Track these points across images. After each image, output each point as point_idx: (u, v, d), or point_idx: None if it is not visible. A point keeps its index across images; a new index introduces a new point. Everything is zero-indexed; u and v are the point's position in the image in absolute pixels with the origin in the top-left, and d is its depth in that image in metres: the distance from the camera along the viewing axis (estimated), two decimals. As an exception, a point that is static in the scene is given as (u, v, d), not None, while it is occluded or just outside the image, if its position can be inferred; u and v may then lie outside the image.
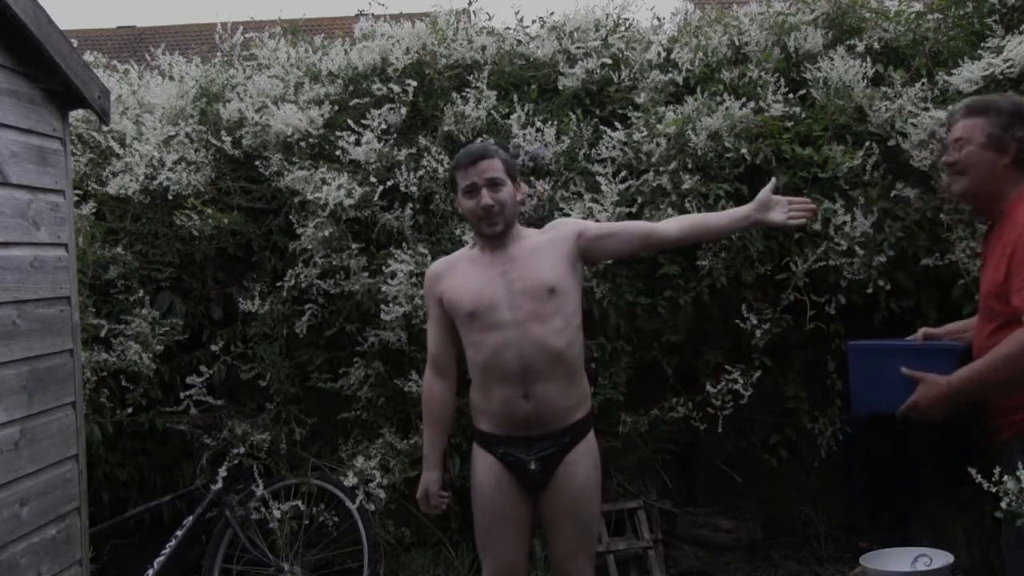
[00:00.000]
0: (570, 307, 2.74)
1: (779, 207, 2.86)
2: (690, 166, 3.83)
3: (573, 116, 4.09)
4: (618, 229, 2.92)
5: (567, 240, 2.79)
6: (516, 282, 2.71)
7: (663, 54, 4.23)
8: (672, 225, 2.92)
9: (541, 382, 2.69)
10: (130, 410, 3.94)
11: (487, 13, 4.67)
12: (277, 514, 3.84)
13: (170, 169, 4.02)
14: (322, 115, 4.05)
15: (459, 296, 2.76)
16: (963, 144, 2.56)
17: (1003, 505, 2.25)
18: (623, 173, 3.88)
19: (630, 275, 3.87)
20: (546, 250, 2.77)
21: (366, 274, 3.92)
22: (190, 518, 3.87)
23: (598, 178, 3.86)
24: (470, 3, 4.59)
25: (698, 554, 4.21)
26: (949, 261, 3.65)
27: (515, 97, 4.10)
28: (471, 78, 4.21)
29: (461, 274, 2.80)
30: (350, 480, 3.82)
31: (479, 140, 3.99)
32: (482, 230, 2.76)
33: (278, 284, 4.03)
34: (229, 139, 4.10)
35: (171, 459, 4.18)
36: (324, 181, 3.87)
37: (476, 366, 2.77)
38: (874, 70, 3.93)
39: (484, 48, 4.34)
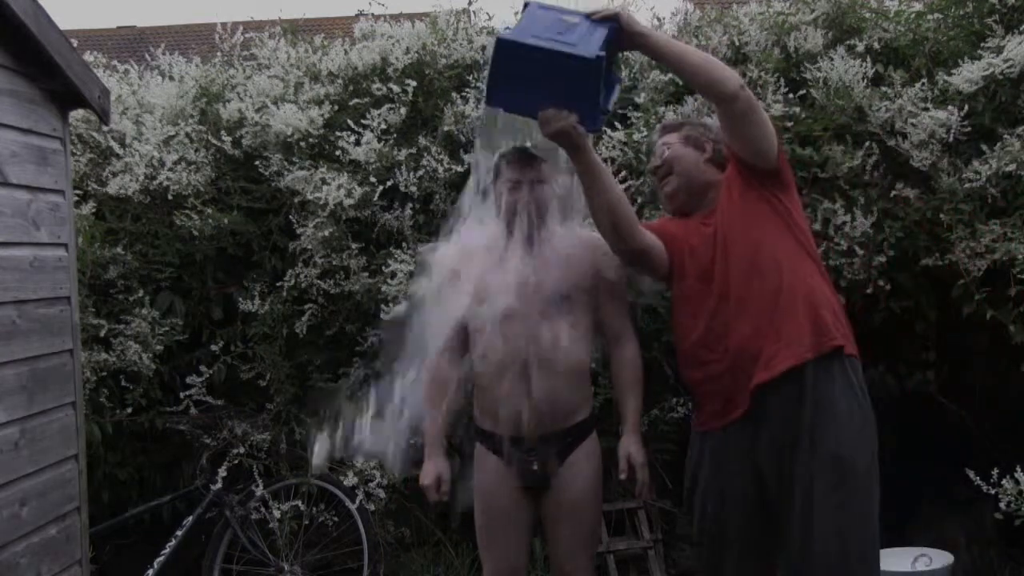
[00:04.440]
0: (581, 311, 2.75)
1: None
2: (690, 166, 3.82)
3: (573, 116, 4.09)
4: (616, 301, 2.86)
5: (594, 265, 2.77)
6: (531, 277, 2.71)
7: (663, 54, 4.22)
8: (620, 362, 2.88)
9: (545, 379, 2.68)
10: (130, 410, 3.94)
11: (487, 13, 4.67)
12: (277, 514, 3.84)
13: (170, 169, 4.02)
14: (322, 115, 4.05)
15: (472, 282, 2.75)
16: (664, 148, 2.68)
17: (1002, 506, 2.26)
18: (623, 173, 3.87)
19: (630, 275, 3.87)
20: (572, 257, 2.76)
21: (366, 274, 3.92)
22: (190, 518, 3.87)
23: (598, 178, 3.85)
24: (470, 3, 4.59)
25: (698, 554, 4.21)
26: (949, 261, 3.65)
27: (515, 97, 4.09)
28: (471, 78, 4.20)
29: (478, 259, 2.79)
30: (350, 480, 3.82)
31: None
32: (513, 227, 2.75)
33: (278, 284, 4.02)
34: (229, 139, 4.10)
35: (171, 459, 4.18)
36: (324, 181, 3.87)
37: (480, 356, 2.76)
38: (874, 70, 3.92)
39: (484, 48, 4.33)
